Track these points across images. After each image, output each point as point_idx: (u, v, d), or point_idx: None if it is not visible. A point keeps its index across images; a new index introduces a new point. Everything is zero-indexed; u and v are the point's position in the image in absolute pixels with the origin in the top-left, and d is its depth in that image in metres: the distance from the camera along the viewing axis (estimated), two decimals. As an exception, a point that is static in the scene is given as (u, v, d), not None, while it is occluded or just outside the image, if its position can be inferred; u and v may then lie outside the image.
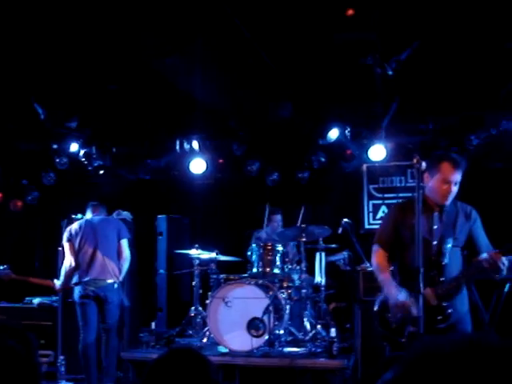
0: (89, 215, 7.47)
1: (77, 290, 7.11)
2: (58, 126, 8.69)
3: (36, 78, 7.42)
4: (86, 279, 7.08)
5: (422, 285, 3.92)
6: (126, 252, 7.36)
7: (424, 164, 4.12)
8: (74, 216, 8.24)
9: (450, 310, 4.38)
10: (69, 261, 7.21)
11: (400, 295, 4.40)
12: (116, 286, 7.13)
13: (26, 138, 9.26)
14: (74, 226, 7.34)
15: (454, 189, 4.46)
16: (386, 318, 4.56)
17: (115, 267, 7.18)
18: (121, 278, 7.24)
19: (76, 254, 7.20)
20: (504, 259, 4.17)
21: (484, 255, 4.30)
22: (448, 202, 4.49)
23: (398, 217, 4.69)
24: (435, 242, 4.46)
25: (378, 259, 4.72)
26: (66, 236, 7.31)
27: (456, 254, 4.53)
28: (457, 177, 4.43)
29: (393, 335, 4.50)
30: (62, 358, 7.49)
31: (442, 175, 4.41)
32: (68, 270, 7.20)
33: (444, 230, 4.50)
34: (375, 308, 4.73)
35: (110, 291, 7.10)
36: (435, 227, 4.49)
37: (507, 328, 6.57)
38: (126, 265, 7.33)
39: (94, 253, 7.16)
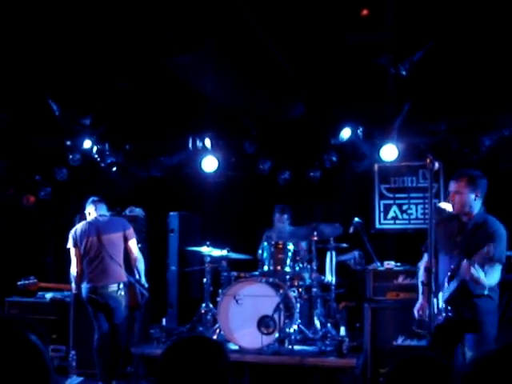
0: (92, 213, 7.30)
1: (83, 292, 7.11)
2: (71, 122, 8.73)
3: (51, 75, 7.48)
4: (89, 285, 7.04)
5: (433, 285, 4.02)
6: (136, 253, 7.27)
7: (437, 165, 4.17)
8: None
9: (450, 314, 4.70)
10: (75, 267, 7.17)
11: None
12: (120, 292, 7.03)
13: (39, 134, 9.32)
14: (79, 230, 7.20)
15: (455, 197, 4.84)
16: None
17: (121, 271, 7.09)
18: (142, 278, 7.29)
19: (81, 259, 7.14)
20: (472, 269, 4.42)
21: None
22: (455, 210, 4.85)
23: (437, 227, 4.99)
24: (456, 252, 4.79)
25: (420, 267, 5.23)
26: (71, 241, 7.19)
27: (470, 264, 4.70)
28: (453, 187, 4.85)
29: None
30: (73, 352, 7.52)
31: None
32: (76, 277, 7.16)
33: (465, 241, 4.80)
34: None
35: (111, 299, 7.00)
36: (458, 238, 4.84)
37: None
38: (140, 265, 7.28)
39: (98, 258, 7.06)
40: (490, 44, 6.63)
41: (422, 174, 9.05)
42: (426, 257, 5.14)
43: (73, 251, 7.17)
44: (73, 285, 7.22)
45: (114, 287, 7.00)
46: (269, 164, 9.52)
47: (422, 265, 5.20)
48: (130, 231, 7.30)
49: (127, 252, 7.22)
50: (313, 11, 5.83)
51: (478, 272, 4.40)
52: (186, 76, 6.87)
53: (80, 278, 7.14)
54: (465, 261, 4.48)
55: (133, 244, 7.26)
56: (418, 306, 5.04)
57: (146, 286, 7.39)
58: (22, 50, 6.63)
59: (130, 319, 7.43)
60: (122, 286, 7.05)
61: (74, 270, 7.18)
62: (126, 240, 7.21)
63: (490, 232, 4.77)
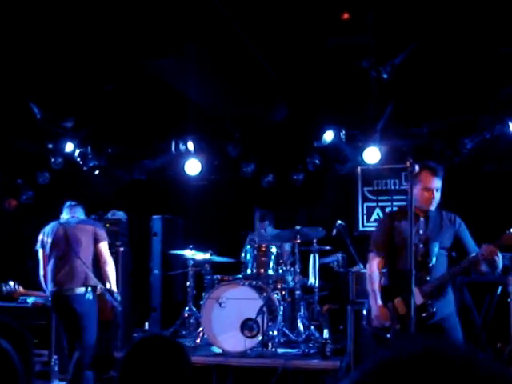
0: (65, 216, 6.86)
1: (49, 296, 6.69)
2: (53, 125, 8.68)
3: (32, 78, 7.43)
4: (54, 289, 6.52)
5: (413, 286, 3.99)
6: (106, 255, 6.62)
7: (417, 167, 4.18)
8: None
9: (434, 309, 4.58)
10: (42, 269, 6.69)
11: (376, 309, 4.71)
12: (88, 295, 6.42)
13: (21, 137, 9.25)
14: (47, 230, 6.76)
15: (437, 195, 4.70)
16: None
17: (89, 274, 6.46)
18: (112, 286, 6.57)
19: (48, 260, 6.63)
20: (498, 253, 4.41)
21: (479, 250, 4.55)
22: (432, 207, 4.73)
23: (389, 223, 4.91)
24: (421, 245, 4.67)
25: (372, 269, 4.93)
26: (39, 242, 6.75)
27: (442, 256, 4.76)
28: (436, 183, 4.67)
29: (379, 331, 4.73)
30: (55, 357, 7.48)
31: (423, 183, 4.64)
32: (42, 279, 6.69)
33: (430, 234, 4.73)
34: (364, 310, 4.99)
35: (78, 303, 6.39)
36: (421, 232, 4.71)
37: (499, 331, 6.62)
38: (109, 269, 6.58)
39: (64, 258, 6.52)
40: (472, 47, 6.67)
41: (405, 177, 9.08)
42: (373, 257, 4.94)
43: (40, 252, 6.73)
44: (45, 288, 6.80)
45: (81, 290, 6.43)
46: (252, 167, 9.52)
47: (373, 268, 4.92)
48: (101, 233, 6.75)
49: (97, 255, 6.64)
50: (294, 14, 5.84)
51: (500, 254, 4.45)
52: (169, 79, 6.84)
53: (46, 280, 6.66)
54: (486, 245, 4.46)
55: (104, 246, 6.65)
56: (378, 312, 4.72)
57: (119, 298, 6.71)
58: (2, 52, 6.58)
59: (103, 332, 7.02)
60: (90, 289, 6.47)
61: (41, 272, 6.72)
62: (96, 242, 6.62)
63: (458, 221, 4.81)
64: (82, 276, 6.46)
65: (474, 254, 4.59)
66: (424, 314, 4.55)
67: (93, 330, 6.52)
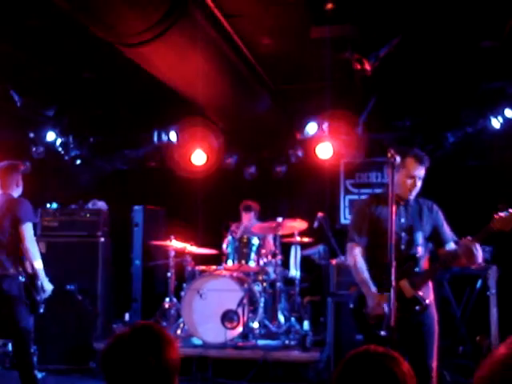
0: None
1: None
2: (34, 114, 8.59)
3: (13, 65, 7.34)
4: None
5: (393, 278, 3.90)
6: (28, 242, 5.54)
7: (398, 159, 4.13)
8: (49, 205, 8.19)
9: (427, 301, 4.45)
10: None
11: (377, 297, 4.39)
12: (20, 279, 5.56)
13: (1, 126, 9.14)
14: None
15: (418, 184, 4.57)
16: (363, 313, 4.54)
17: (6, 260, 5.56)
18: (43, 280, 5.64)
19: None
20: (478, 246, 4.28)
21: (459, 243, 4.43)
22: (412, 196, 4.60)
23: (367, 212, 4.71)
24: (403, 234, 4.56)
25: (355, 258, 4.64)
26: None
27: (425, 246, 4.65)
28: (421, 172, 4.55)
29: (372, 328, 4.44)
30: (34, 348, 7.41)
31: (407, 170, 4.52)
32: None
33: (412, 223, 4.61)
34: (351, 305, 4.72)
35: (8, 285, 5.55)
36: (402, 220, 4.58)
37: (478, 324, 6.66)
38: (30, 257, 5.53)
39: None
40: (454, 42, 6.69)
41: (387, 170, 9.11)
42: (352, 247, 4.64)
43: None
44: None
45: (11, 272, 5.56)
46: (235, 158, 9.50)
47: (356, 258, 4.60)
48: (25, 211, 5.67)
49: (20, 239, 5.57)
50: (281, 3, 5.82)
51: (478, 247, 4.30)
52: (151, 67, 6.77)
53: None
54: (466, 239, 4.31)
55: (27, 229, 5.56)
56: (375, 300, 4.38)
57: (49, 288, 5.73)
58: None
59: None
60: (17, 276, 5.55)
61: None
62: (16, 223, 5.56)
63: (435, 209, 4.70)
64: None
65: (453, 249, 4.50)
66: (417, 308, 4.40)
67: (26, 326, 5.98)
